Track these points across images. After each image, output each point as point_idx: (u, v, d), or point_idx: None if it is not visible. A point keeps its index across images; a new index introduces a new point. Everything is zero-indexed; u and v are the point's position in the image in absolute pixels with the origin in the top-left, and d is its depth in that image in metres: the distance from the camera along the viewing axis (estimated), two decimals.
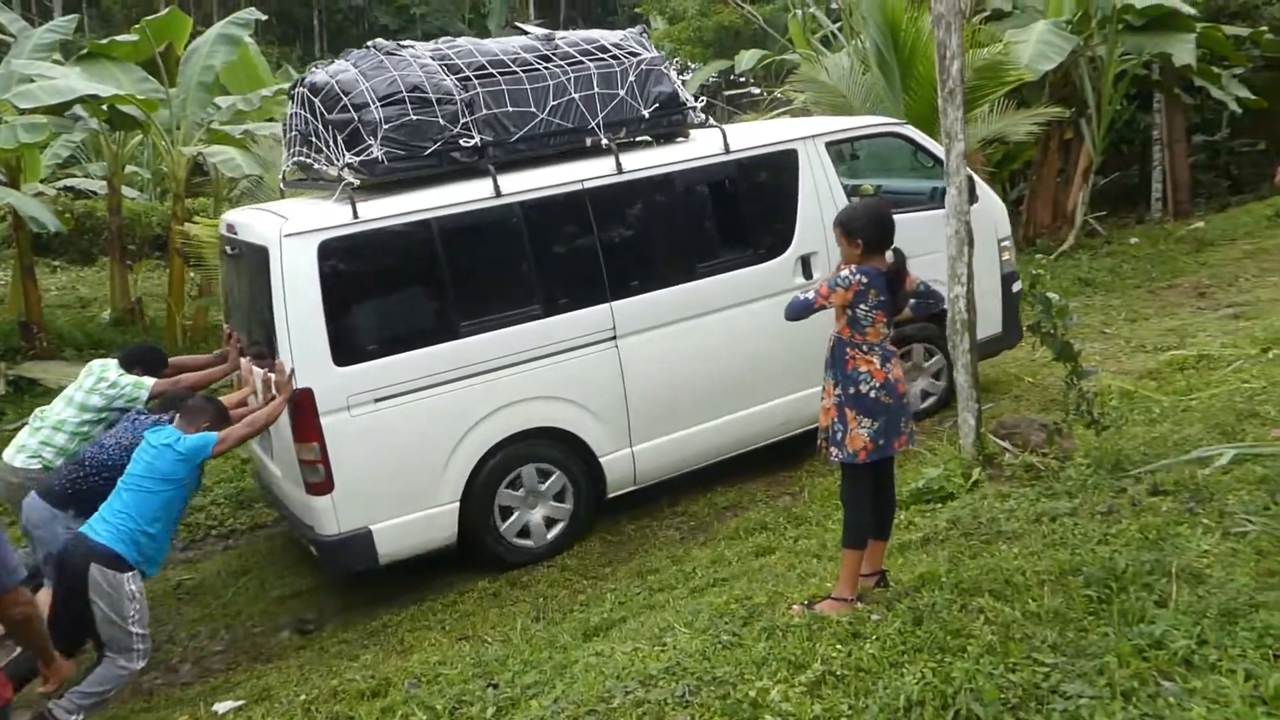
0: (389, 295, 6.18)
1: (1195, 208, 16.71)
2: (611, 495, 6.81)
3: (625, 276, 6.56)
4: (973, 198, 7.03)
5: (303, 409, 5.76)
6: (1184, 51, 13.37)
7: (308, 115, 6.29)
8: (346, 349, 5.85)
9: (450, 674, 4.72)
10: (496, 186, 6.16)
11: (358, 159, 5.93)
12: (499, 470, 6.38)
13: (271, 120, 12.64)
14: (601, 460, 6.63)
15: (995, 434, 6.00)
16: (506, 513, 6.52)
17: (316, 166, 6.27)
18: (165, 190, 14.07)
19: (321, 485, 5.85)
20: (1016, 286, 8.04)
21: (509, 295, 6.32)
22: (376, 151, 5.93)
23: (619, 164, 6.51)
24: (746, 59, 22.71)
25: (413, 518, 6.12)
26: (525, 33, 7.13)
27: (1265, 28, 17.65)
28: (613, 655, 4.32)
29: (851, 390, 4.27)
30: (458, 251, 6.15)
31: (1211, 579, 3.84)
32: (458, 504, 6.27)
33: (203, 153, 11.71)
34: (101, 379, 5.97)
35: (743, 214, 7.06)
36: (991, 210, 7.89)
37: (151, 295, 14.61)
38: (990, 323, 7.62)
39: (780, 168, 7.10)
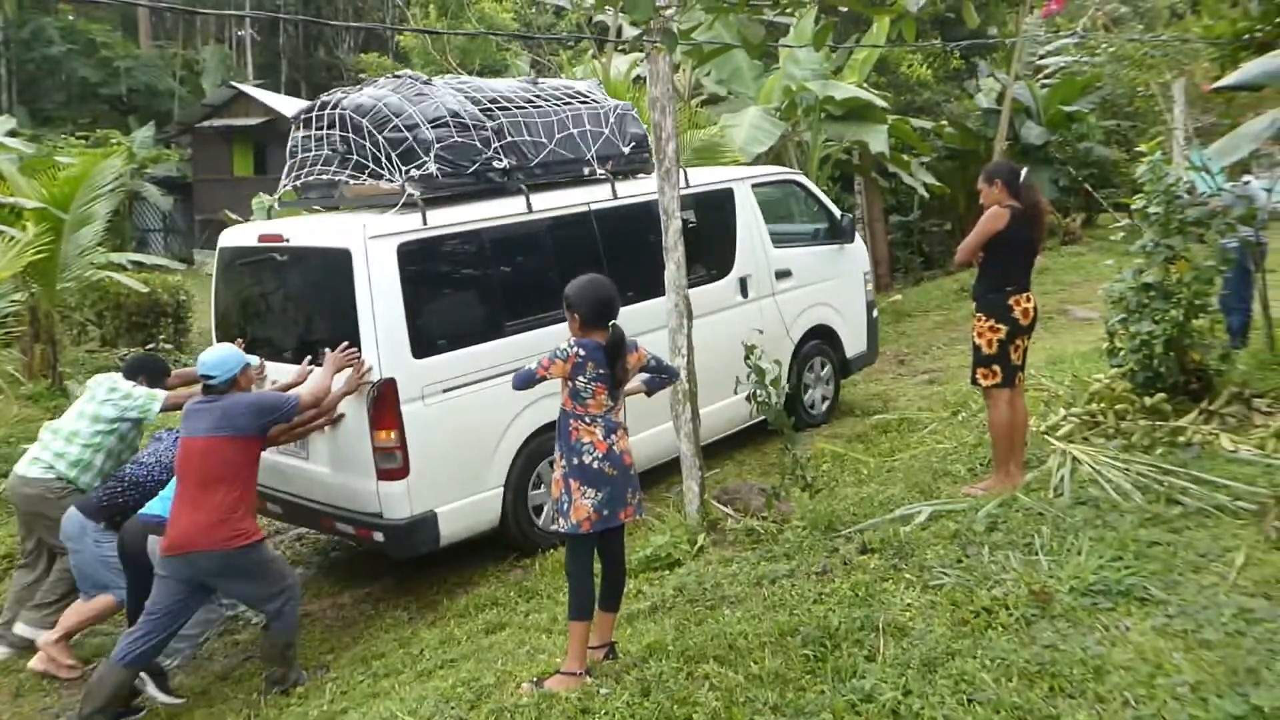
0: (453, 295, 6.81)
1: (895, 281, 18.27)
2: None
3: (622, 287, 7.05)
4: (850, 237, 9.32)
5: (385, 398, 6.14)
6: (878, 140, 14.66)
7: (349, 135, 6.72)
8: (422, 342, 6.32)
9: None
10: (529, 203, 6.93)
11: (418, 173, 6.51)
12: (534, 458, 6.87)
13: None
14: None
15: (718, 500, 6.20)
16: (537, 499, 7.00)
17: (353, 184, 6.72)
18: None
19: (398, 471, 6.19)
20: (875, 313, 9.78)
21: (541, 299, 6.84)
22: (432, 167, 6.55)
23: (614, 191, 7.48)
24: None
25: (468, 501, 6.54)
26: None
27: (946, 122, 19.73)
28: None
29: (575, 461, 4.29)
30: (502, 259, 6.89)
31: (914, 631, 4.09)
32: (502, 489, 6.74)
33: None
34: (113, 390, 6.16)
35: (700, 240, 8.06)
36: (860, 249, 9.59)
37: None
38: (859, 342, 9.45)
39: (723, 203, 8.41)
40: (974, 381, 5.99)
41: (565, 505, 4.29)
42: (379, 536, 6.31)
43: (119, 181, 12.55)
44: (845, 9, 4.63)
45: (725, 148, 12.40)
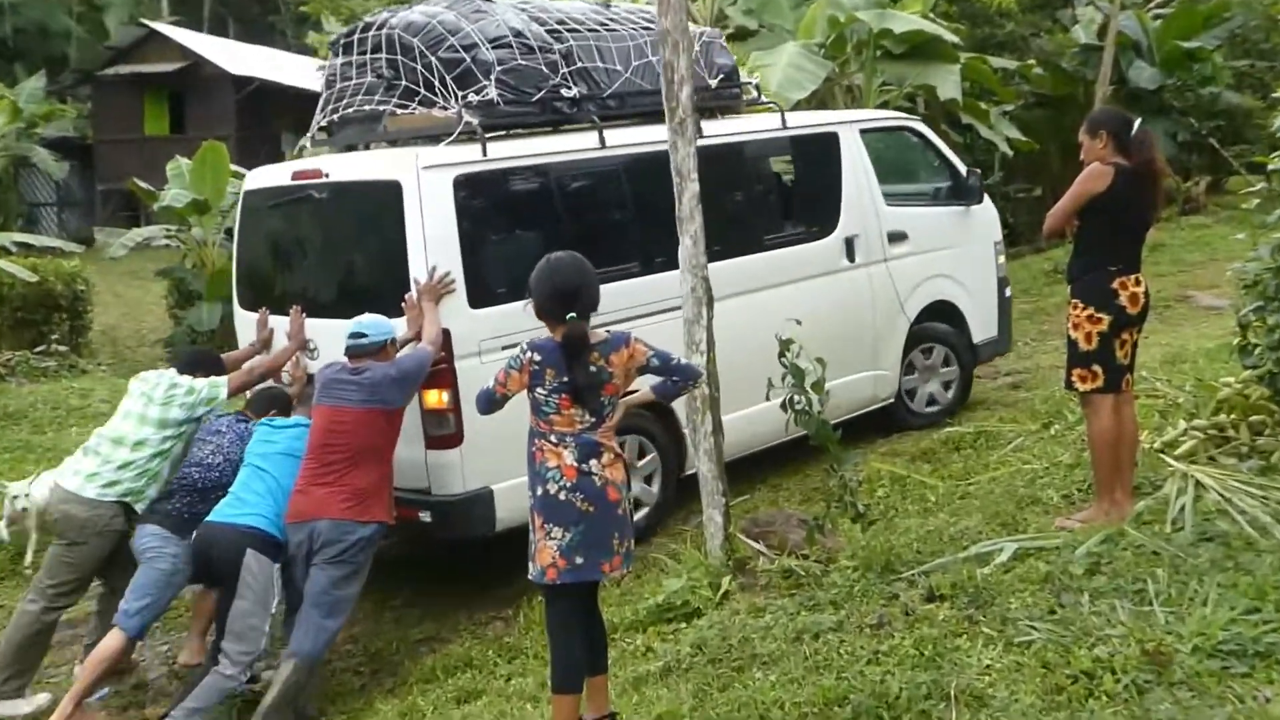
0: (516, 238, 7.19)
1: None
2: (689, 474, 7.36)
3: (708, 241, 7.60)
4: (977, 197, 9.56)
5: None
6: (948, 84, 14.60)
7: (397, 58, 7.08)
8: (480, 290, 6.68)
9: None
10: (602, 138, 7.31)
11: (477, 99, 6.87)
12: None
13: None
14: (685, 433, 7.30)
15: (747, 533, 6.17)
16: None
17: (401, 114, 7.08)
18: None
19: (450, 438, 6.53)
20: (1008, 291, 10.11)
21: (613, 249, 7.29)
22: (493, 93, 6.91)
23: (699, 129, 7.37)
24: None
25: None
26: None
27: (1034, 61, 19.64)
28: None
29: (540, 490, 4.32)
30: (572, 200, 7.36)
31: (995, 701, 4.05)
32: None
33: None
34: (174, 386, 6.43)
35: (799, 192, 8.90)
36: (989, 212, 9.84)
37: None
38: (988, 325, 9.68)
39: (826, 150, 8.73)
40: (1069, 385, 5.95)
41: (532, 547, 4.28)
42: (425, 516, 6.63)
43: (1, 144, 12.61)
44: None
45: None
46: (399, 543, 7.35)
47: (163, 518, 6.14)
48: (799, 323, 6.45)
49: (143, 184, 18.75)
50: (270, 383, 7.04)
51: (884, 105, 15.01)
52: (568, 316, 4.32)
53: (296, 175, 7.37)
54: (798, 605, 5.27)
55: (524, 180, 7.14)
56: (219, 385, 6.55)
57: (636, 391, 4.94)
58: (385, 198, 6.65)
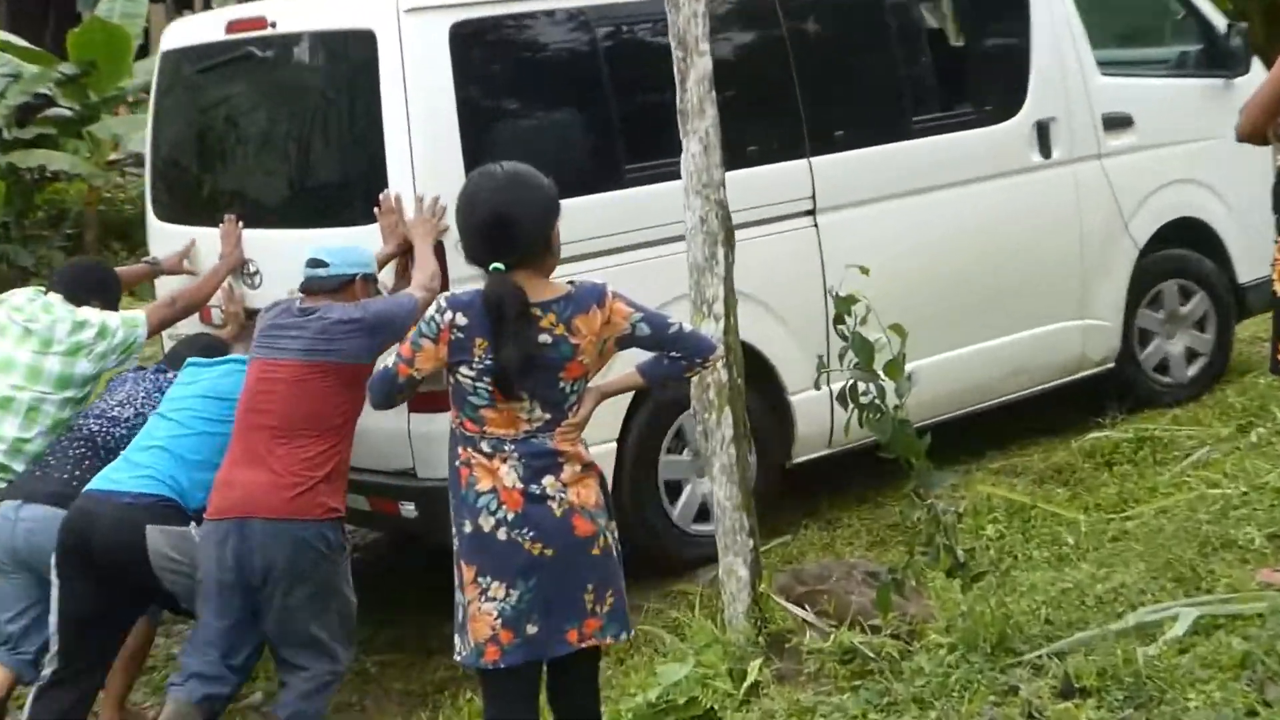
0: (536, 115, 7.46)
1: None
2: (797, 461, 7.93)
3: (828, 124, 8.03)
4: (1242, 65, 9.52)
5: None
6: None
7: None
8: None
9: None
10: None
11: None
12: (665, 409, 7.46)
13: None
14: (791, 400, 7.78)
15: (788, 594, 6.16)
16: (674, 482, 7.68)
17: None
18: None
19: (442, 396, 6.46)
20: None
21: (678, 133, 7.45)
22: None
23: None
24: None
25: None
26: None
27: None
28: None
29: (468, 526, 4.27)
30: (621, 63, 7.55)
31: None
32: (614, 445, 7.25)
33: None
34: (81, 326, 6.65)
35: (966, 55, 9.15)
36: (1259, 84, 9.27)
37: None
38: (1259, 259, 8.79)
39: None
40: (1276, 368, 6.07)
41: (462, 614, 4.31)
42: (408, 509, 6.95)
43: None
44: None
45: None
46: None
47: (51, 495, 6.23)
48: (865, 271, 6.35)
49: None
50: (203, 330, 7.31)
51: None
52: (491, 266, 4.22)
53: (233, 27, 7.61)
54: (864, 704, 5.25)
55: (552, 30, 7.43)
56: (137, 325, 6.80)
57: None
58: (354, 55, 6.96)
